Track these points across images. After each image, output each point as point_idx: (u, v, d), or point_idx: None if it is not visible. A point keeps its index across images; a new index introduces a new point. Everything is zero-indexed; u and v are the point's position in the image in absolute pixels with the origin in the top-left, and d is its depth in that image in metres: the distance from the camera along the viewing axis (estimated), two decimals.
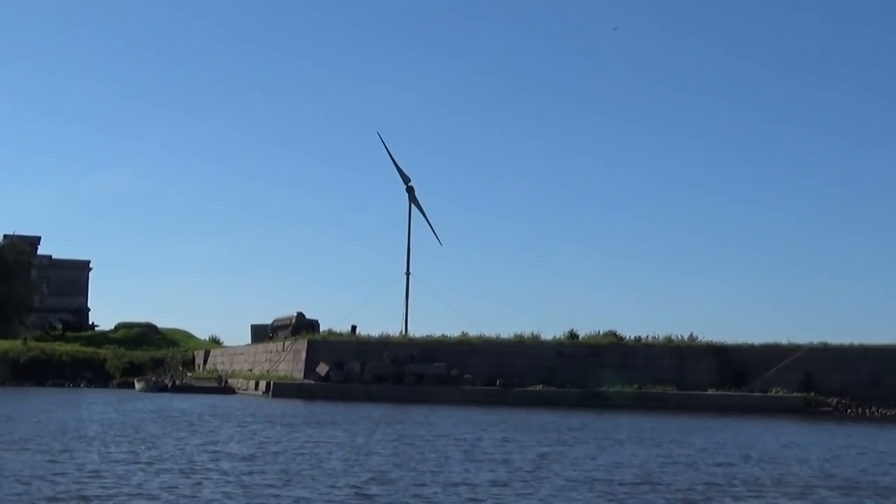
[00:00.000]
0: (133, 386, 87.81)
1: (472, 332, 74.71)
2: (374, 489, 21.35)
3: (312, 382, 70.33)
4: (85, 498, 19.27)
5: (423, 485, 22.13)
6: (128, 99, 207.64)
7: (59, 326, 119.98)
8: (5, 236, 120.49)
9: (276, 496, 20.15)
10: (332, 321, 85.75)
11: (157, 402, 61.51)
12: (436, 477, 23.48)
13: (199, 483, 21.77)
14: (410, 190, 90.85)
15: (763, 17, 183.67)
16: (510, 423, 44.27)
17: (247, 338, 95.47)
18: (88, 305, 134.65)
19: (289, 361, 76.25)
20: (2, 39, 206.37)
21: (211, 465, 25.08)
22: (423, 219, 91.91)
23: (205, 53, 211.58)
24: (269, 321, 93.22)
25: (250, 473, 23.55)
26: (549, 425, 43.05)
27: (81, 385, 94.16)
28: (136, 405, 56.35)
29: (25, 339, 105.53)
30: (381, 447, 30.88)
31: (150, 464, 25.19)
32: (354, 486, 21.67)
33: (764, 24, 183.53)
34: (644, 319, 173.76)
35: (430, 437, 35.32)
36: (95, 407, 54.37)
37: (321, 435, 35.23)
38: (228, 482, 21.96)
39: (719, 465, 27.83)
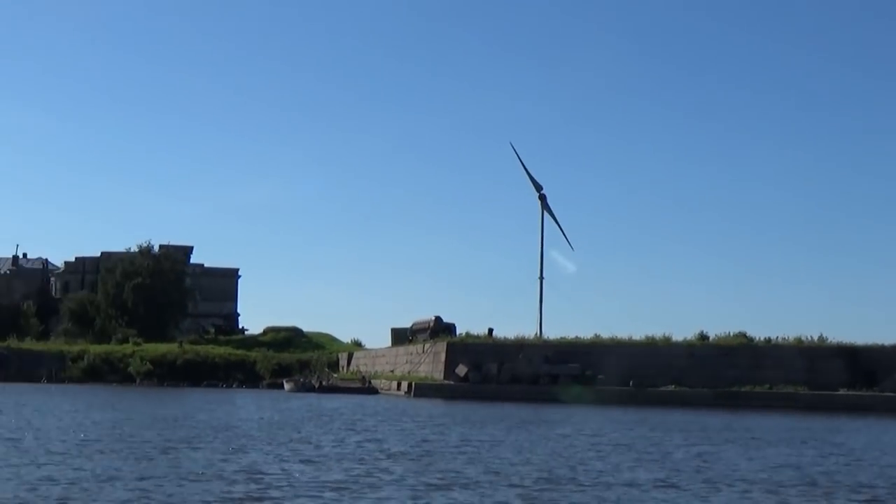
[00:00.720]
0: (282, 386, 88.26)
1: (605, 334, 73.18)
2: (544, 488, 20.28)
3: (452, 383, 69.61)
4: (258, 499, 18.52)
5: (596, 485, 21.02)
6: (271, 111, 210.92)
7: (212, 330, 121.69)
8: (160, 246, 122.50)
9: (447, 497, 19.21)
10: (468, 324, 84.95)
11: (307, 401, 61.44)
12: (602, 477, 22.31)
13: (366, 482, 20.90)
14: (542, 198, 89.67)
15: None
16: (652, 422, 42.90)
17: (386, 340, 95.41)
18: (238, 311, 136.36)
19: (429, 363, 75.67)
20: (152, 51, 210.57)
21: (374, 464, 24.16)
22: (556, 225, 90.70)
23: (344, 67, 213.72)
24: (407, 325, 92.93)
25: (415, 472, 22.59)
26: (690, 424, 41.64)
27: (234, 385, 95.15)
28: (290, 404, 56.32)
29: (181, 343, 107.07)
30: (539, 446, 29.80)
31: (316, 462, 24.51)
32: (525, 486, 20.61)
33: None
34: (774, 321, 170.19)
35: (580, 436, 34.22)
36: (252, 406, 54.47)
37: (477, 434, 34.15)
38: (394, 481, 21.05)
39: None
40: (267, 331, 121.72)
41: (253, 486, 19.80)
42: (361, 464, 24.13)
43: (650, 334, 71.61)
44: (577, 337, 73.24)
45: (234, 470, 22.37)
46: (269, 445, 28.91)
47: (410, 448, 28.57)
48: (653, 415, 49.24)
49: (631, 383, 65.54)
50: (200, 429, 34.95)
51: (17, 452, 25.12)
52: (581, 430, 37.36)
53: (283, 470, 22.63)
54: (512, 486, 20.67)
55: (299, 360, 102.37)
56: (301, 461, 24.66)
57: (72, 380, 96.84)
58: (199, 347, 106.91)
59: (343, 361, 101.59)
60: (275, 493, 19.00)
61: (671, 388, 65.20)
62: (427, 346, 78.17)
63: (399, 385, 74.74)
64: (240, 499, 18.33)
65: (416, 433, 34.35)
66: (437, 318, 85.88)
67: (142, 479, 20.46)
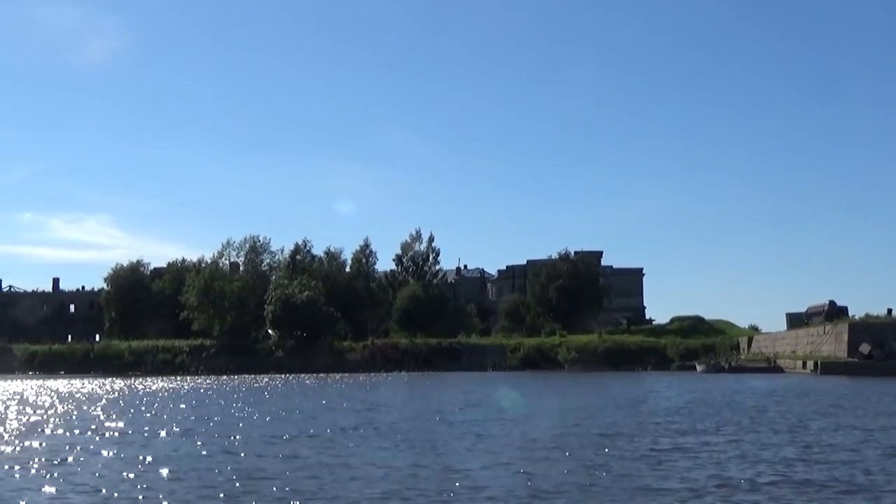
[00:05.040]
0: (693, 368, 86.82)
1: None
2: None
3: (856, 360, 65.72)
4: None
5: None
6: (649, 130, 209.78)
7: (624, 322, 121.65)
8: (575, 252, 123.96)
9: None
10: (858, 306, 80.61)
11: (729, 382, 59.06)
12: None
13: None
14: None
15: None
16: None
17: (779, 324, 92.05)
18: (644, 304, 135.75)
19: (830, 343, 71.82)
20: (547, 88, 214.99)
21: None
22: None
23: (717, 88, 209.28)
24: (801, 309, 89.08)
25: None
26: None
27: (647, 368, 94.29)
28: (723, 384, 54.04)
29: (600, 334, 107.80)
30: None
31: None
32: None
33: None
34: None
35: None
36: (693, 387, 52.27)
37: None
38: None
39: None
40: (673, 320, 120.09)
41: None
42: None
43: None
44: None
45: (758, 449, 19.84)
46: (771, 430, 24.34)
47: None
48: None
49: None
50: (665, 409, 34.43)
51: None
52: None
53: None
54: None
55: (704, 344, 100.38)
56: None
57: (511, 368, 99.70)
58: (615, 337, 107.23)
59: (743, 344, 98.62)
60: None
61: None
62: (827, 327, 74.30)
63: (804, 364, 71.51)
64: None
65: None
66: (831, 302, 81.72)
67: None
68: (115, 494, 14.45)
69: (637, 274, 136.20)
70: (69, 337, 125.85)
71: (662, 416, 29.62)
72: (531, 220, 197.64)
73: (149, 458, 18.88)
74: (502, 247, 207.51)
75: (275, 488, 14.73)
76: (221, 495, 14.22)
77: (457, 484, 15.01)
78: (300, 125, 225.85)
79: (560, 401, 39.86)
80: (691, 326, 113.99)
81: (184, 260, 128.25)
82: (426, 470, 16.80)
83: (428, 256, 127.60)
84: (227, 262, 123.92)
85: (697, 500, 13.42)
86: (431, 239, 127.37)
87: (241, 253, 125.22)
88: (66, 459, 19.08)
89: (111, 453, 20.24)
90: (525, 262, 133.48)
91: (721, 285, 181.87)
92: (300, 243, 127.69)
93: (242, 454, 19.65)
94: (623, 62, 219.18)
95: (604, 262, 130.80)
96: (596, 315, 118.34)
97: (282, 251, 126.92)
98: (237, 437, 23.77)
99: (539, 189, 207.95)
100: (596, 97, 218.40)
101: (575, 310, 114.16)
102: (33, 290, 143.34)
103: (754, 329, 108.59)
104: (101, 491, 14.80)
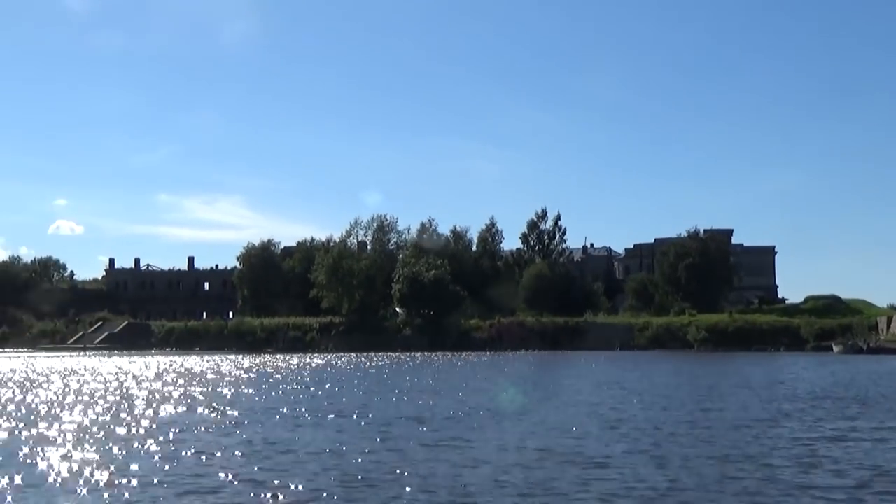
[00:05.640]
0: (829, 349, 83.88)
1: None
2: None
3: None
4: None
5: None
6: (773, 108, 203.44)
7: (756, 301, 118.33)
8: (705, 231, 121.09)
9: None
10: None
11: (870, 364, 56.60)
12: None
13: None
14: None
15: None
16: None
17: None
18: (776, 283, 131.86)
19: None
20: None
21: None
22: None
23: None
24: None
25: None
26: None
27: (780, 349, 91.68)
28: (859, 367, 51.76)
29: (730, 313, 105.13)
30: None
31: None
32: None
33: None
34: None
35: None
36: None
37: None
38: None
39: None
40: (807, 299, 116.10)
41: None
42: None
43: None
44: None
45: None
46: None
47: None
48: None
49: None
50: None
51: None
52: None
53: None
54: None
55: (840, 324, 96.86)
56: None
57: (639, 347, 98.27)
58: (746, 316, 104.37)
59: (882, 325, 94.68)
60: None
61: None
62: None
63: None
64: None
65: None
66: None
67: None
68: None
69: (769, 252, 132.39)
70: (203, 314, 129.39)
71: (805, 400, 28.31)
72: (659, 198, 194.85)
73: (267, 438, 18.80)
74: (629, 225, 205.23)
75: (406, 474, 14.32)
76: (332, 480, 13.89)
77: (592, 472, 14.34)
78: (426, 106, 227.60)
79: (694, 383, 38.60)
80: (827, 306, 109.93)
81: (313, 239, 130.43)
82: (558, 455, 16.18)
83: (554, 235, 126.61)
84: (356, 241, 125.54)
85: (856, 501, 12.37)
86: (558, 217, 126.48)
87: (369, 232, 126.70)
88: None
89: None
90: (653, 241, 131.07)
91: (858, 264, 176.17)
92: (426, 222, 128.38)
93: (379, 438, 19.35)
94: (754, 42, 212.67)
95: (734, 240, 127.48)
96: (726, 294, 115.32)
97: (408, 230, 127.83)
98: (373, 416, 23.58)
99: (667, 167, 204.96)
100: (726, 76, 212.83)
101: (704, 289, 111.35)
102: (170, 269, 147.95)
103: (894, 309, 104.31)
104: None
